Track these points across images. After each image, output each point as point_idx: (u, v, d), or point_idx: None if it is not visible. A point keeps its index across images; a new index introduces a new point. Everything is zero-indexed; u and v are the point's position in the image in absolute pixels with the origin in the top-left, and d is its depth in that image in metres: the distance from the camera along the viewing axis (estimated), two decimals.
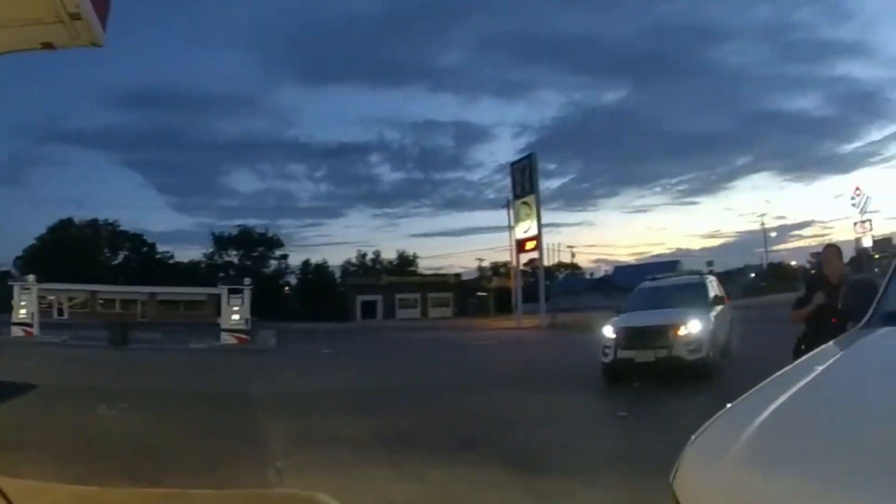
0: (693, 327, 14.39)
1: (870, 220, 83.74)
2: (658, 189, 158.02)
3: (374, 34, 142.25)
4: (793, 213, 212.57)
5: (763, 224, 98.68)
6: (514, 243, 55.29)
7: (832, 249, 7.62)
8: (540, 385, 15.75)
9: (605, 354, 15.02)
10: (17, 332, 34.11)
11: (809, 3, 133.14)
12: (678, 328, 14.37)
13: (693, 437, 2.28)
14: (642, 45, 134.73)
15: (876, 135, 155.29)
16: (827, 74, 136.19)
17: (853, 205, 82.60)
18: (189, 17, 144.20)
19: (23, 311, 34.67)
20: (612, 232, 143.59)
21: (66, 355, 25.77)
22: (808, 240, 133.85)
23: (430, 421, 11.36)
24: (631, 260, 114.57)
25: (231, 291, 34.59)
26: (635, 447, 8.72)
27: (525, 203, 51.83)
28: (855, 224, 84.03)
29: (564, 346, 30.20)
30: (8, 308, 35.20)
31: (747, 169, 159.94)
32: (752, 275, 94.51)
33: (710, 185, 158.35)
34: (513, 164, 54.92)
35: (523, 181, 52.32)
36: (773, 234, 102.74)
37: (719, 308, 16.34)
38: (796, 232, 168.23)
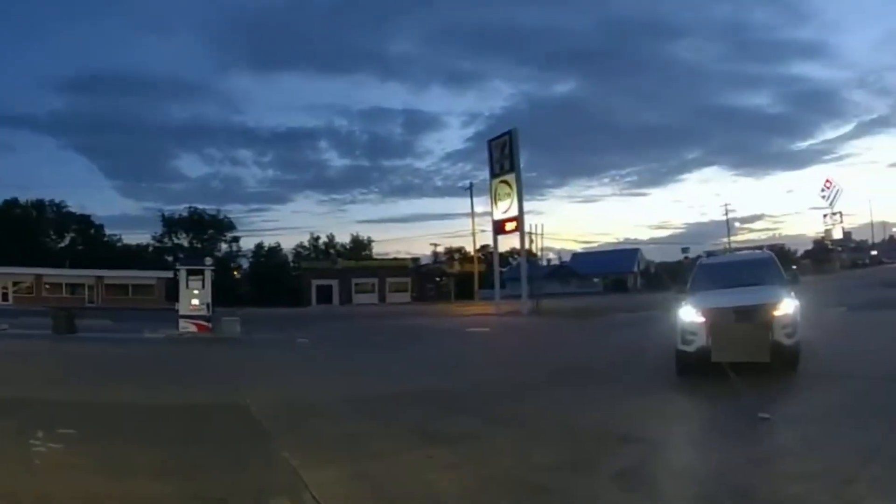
0: (788, 307, 12.31)
1: (840, 213, 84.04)
2: (607, 180, 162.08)
3: (324, 21, 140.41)
4: (743, 207, 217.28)
5: (727, 213, 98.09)
6: (489, 225, 52.49)
7: None
8: (616, 382, 13.18)
9: (687, 342, 12.49)
10: None
11: (768, 4, 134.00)
12: (775, 308, 12.18)
13: None
14: (595, 39, 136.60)
15: (830, 133, 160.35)
16: (782, 73, 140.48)
17: (823, 197, 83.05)
18: (136, 1, 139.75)
19: None
20: (561, 221, 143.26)
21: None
22: (759, 233, 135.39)
23: (549, 447, 8.11)
24: (579, 248, 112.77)
25: (190, 273, 30.42)
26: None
27: (504, 182, 48.21)
28: (825, 216, 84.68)
29: (577, 334, 27.42)
30: None
31: (698, 162, 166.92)
32: None
33: (661, 177, 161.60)
34: (491, 140, 50.77)
35: (502, 159, 48.59)
36: (736, 225, 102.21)
37: (795, 287, 13.91)
38: (746, 225, 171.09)
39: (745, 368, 11.63)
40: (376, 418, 10.32)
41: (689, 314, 12.69)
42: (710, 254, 17.41)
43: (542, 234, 58.35)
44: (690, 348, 12.44)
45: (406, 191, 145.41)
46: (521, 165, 47.50)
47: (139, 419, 10.39)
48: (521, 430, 9.14)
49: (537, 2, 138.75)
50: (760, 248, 17.43)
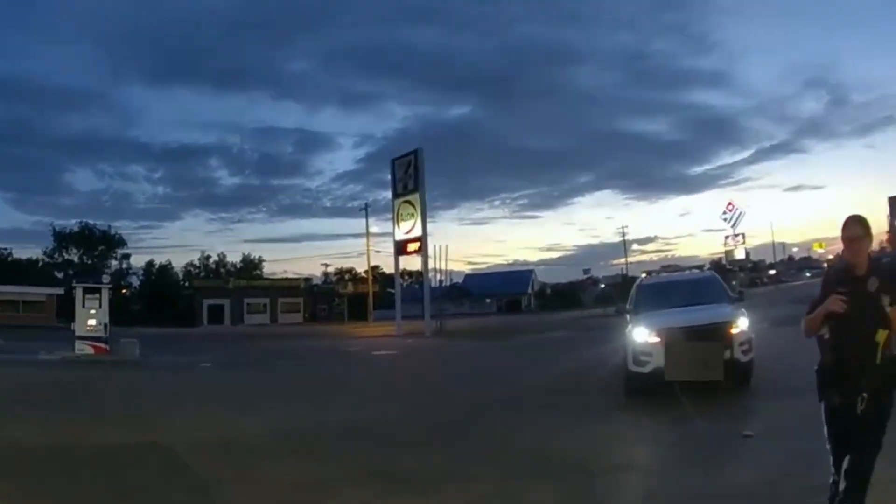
0: (743, 324, 12.53)
1: (742, 234, 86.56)
2: (498, 203, 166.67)
3: (221, 38, 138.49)
4: (635, 229, 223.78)
5: (623, 235, 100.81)
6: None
7: (857, 223, 4.43)
8: (565, 406, 12.92)
9: (641, 363, 12.48)
10: None
11: (670, 34, 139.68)
12: (731, 326, 12.35)
13: None
14: (493, 64, 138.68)
15: (728, 159, 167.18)
16: (681, 101, 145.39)
17: (725, 219, 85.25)
18: (34, 9, 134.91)
19: None
20: (449, 243, 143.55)
21: None
22: (652, 254, 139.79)
23: (538, 484, 7.42)
24: (468, 270, 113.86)
25: (87, 291, 28.65)
26: None
27: (408, 202, 48.07)
28: (727, 237, 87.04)
29: (491, 356, 27.30)
30: None
31: (590, 186, 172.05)
32: (602, 286, 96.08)
33: (552, 200, 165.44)
34: (395, 159, 50.43)
35: (405, 178, 48.55)
36: (629, 247, 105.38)
37: (742, 304, 14.22)
38: (640, 247, 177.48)
39: (693, 387, 11.62)
40: (324, 459, 9.22)
41: (642, 335, 12.62)
42: (648, 273, 17.45)
43: (446, 256, 58.02)
44: (645, 369, 12.39)
45: (295, 210, 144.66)
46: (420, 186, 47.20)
47: (47, 466, 8.72)
48: (496, 466, 8.37)
49: (435, 25, 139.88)
50: (700, 267, 17.64)
